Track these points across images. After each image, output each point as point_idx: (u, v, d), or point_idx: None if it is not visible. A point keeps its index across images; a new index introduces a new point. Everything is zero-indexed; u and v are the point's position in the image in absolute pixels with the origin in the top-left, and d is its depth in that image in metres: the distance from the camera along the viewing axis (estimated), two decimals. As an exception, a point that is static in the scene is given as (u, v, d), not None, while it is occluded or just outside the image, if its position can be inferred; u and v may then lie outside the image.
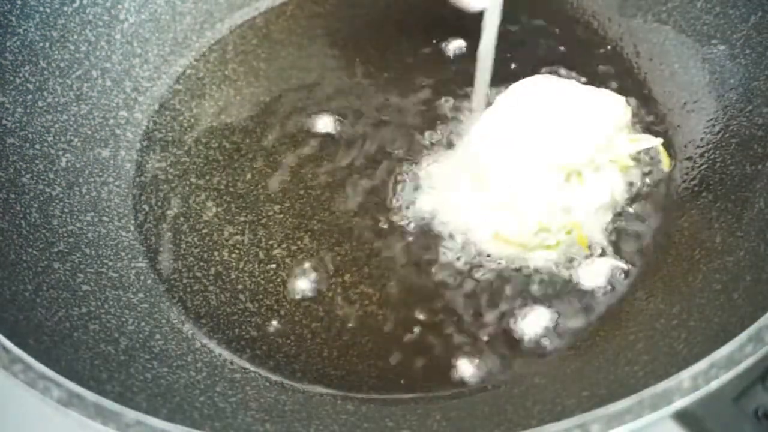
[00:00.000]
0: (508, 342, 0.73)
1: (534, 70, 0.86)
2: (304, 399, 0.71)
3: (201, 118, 0.91)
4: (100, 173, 0.86)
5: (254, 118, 0.91)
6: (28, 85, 0.83)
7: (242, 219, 0.83)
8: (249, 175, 0.86)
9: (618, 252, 0.77)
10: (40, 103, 0.84)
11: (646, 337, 0.69)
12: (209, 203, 0.84)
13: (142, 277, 0.79)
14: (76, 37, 0.89)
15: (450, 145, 0.86)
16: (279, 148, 0.88)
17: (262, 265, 0.80)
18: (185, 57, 0.96)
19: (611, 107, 0.78)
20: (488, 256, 0.77)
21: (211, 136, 0.89)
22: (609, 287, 0.75)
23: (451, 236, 0.79)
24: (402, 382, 0.72)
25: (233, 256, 0.81)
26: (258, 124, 0.90)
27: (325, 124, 0.89)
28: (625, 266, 0.76)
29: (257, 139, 0.89)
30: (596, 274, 0.76)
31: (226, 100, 0.92)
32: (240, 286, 0.79)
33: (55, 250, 0.76)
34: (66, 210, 0.80)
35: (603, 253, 0.77)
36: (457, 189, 0.80)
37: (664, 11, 0.91)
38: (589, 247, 0.77)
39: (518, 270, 0.76)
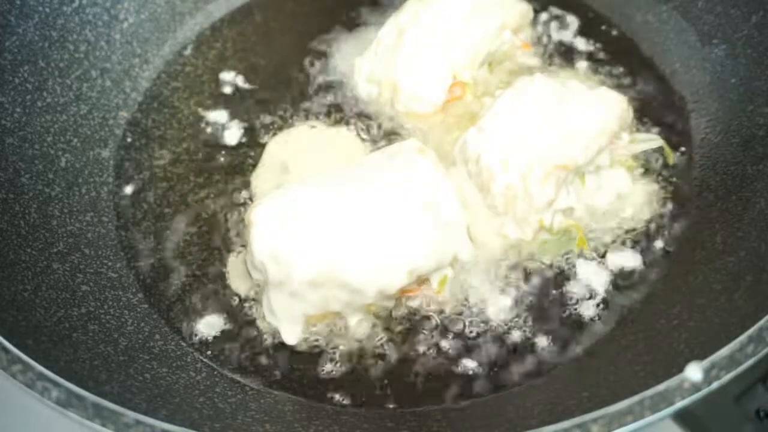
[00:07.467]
0: (508, 344, 0.73)
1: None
2: (305, 399, 0.71)
3: (201, 116, 0.91)
4: (100, 173, 0.85)
5: (254, 114, 0.90)
6: (27, 85, 0.83)
7: (243, 217, 0.82)
8: (249, 173, 0.86)
9: (618, 252, 0.77)
10: (39, 103, 0.83)
11: (646, 337, 0.69)
12: (208, 201, 0.84)
13: (141, 277, 0.79)
14: (75, 37, 0.89)
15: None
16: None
17: (261, 265, 0.80)
18: (184, 56, 0.96)
19: (613, 107, 0.77)
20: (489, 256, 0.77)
21: (210, 134, 0.89)
22: (609, 288, 0.75)
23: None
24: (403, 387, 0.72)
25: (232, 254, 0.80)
26: (259, 120, 0.90)
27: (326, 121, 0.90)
28: (626, 265, 0.76)
29: (258, 136, 0.89)
30: (596, 275, 0.76)
31: (226, 97, 0.92)
32: (240, 286, 0.79)
33: (55, 250, 0.75)
34: (65, 210, 0.80)
35: (603, 254, 0.77)
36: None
37: (665, 11, 0.91)
38: (589, 246, 0.77)
39: (519, 270, 0.76)
